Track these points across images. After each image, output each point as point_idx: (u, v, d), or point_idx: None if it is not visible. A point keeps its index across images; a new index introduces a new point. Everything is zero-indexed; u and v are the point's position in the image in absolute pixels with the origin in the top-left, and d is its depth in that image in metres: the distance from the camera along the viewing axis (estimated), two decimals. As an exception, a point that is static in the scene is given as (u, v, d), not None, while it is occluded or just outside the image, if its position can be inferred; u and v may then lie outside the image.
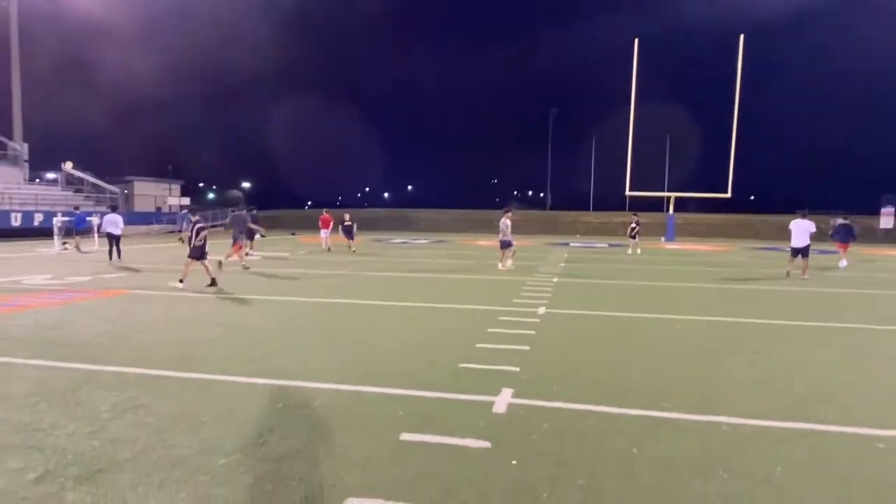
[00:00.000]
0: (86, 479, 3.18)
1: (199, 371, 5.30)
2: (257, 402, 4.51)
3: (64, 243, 21.75)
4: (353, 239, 21.60)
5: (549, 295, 10.66)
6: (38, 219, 29.47)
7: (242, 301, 9.71)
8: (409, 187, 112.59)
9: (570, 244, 30.67)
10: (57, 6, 38.68)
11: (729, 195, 34.29)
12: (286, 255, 20.36)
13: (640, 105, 34.44)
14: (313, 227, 38.42)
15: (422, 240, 32.67)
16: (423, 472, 3.31)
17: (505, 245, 15.62)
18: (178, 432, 3.86)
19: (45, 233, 25.67)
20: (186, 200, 46.80)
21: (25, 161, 37.15)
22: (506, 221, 15.63)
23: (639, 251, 23.57)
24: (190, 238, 11.35)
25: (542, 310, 8.94)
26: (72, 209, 25.61)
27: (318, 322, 8.00)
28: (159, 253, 20.81)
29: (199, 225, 11.48)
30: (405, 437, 3.83)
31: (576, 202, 64.53)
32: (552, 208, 65.56)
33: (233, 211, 16.32)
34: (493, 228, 43.79)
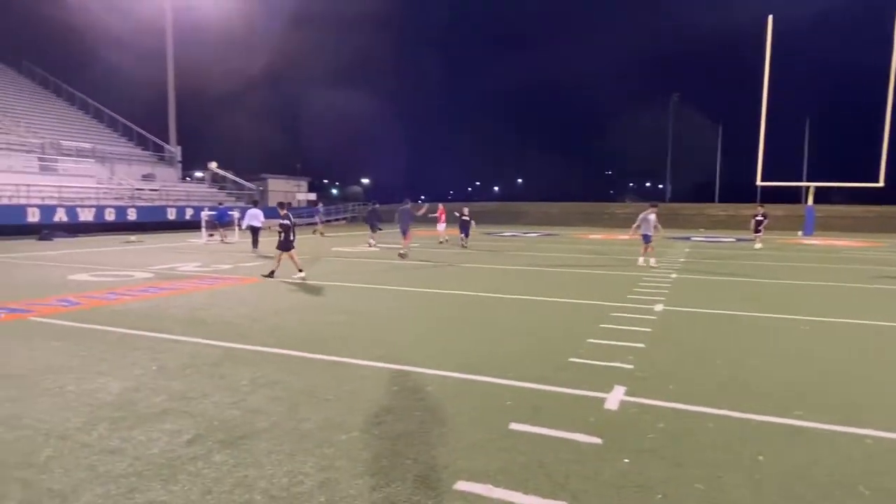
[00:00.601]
0: (229, 444, 3.56)
1: (324, 352, 5.69)
2: (375, 383, 4.77)
3: (210, 234, 24.23)
4: (468, 234, 20.72)
5: (667, 291, 10.13)
6: (188, 213, 32.98)
7: (362, 290, 10.25)
8: (519, 180, 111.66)
9: (692, 238, 28.80)
10: (197, 20, 42.98)
11: (881, 184, 30.34)
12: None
13: (773, 86, 31.42)
14: (427, 221, 39.18)
15: (532, 233, 32.36)
16: (532, 463, 3.32)
17: (648, 239, 14.64)
18: (306, 408, 4.19)
19: (194, 225, 28.76)
20: (313, 196, 50.00)
21: (179, 162, 41.75)
22: (648, 216, 14.59)
23: (758, 245, 21.59)
24: (279, 232, 11.57)
25: (659, 307, 8.53)
26: (216, 205, 28.36)
27: (431, 311, 8.25)
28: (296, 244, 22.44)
29: (285, 222, 11.63)
30: (514, 426, 3.86)
31: (699, 194, 60.37)
32: (672, 200, 61.93)
33: (401, 206, 17.63)
34: (604, 221, 42.41)
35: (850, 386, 4.90)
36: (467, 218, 20.81)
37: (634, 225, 14.86)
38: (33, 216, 25.63)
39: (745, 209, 39.75)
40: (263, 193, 44.17)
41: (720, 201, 54.24)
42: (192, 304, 8.58)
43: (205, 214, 24.98)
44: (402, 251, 16.91)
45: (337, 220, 49.75)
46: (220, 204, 28.42)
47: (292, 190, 48.58)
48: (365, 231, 29.58)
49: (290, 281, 11.26)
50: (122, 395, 4.46)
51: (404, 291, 10.14)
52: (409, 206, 17.54)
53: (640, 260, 14.77)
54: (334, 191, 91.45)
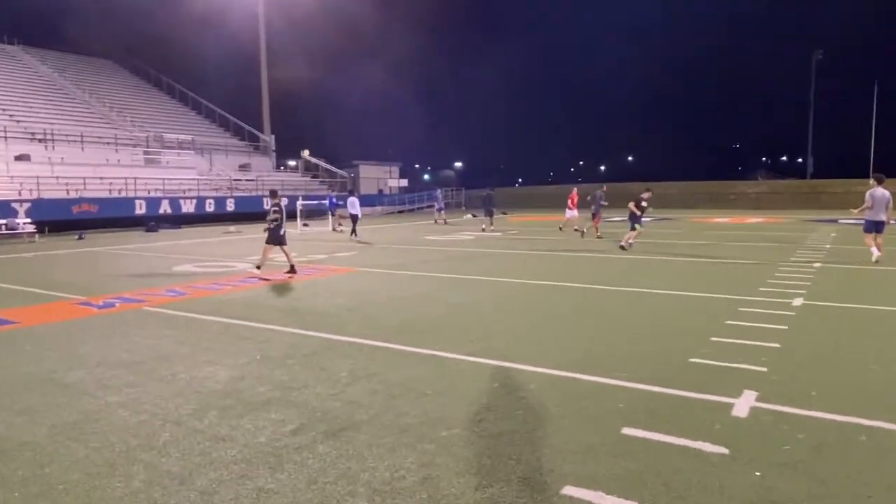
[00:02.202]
0: (332, 435, 3.81)
1: (420, 346, 5.90)
2: (475, 379, 4.88)
3: (305, 224, 25.67)
4: (638, 227, 15.53)
5: (809, 284, 9.42)
6: (284, 202, 35.05)
7: (460, 280, 10.44)
8: (630, 158, 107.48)
9: (840, 221, 26.37)
10: (287, 10, 45.25)
11: None
12: (514, 231, 21.21)
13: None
14: (523, 206, 38.93)
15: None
16: (649, 471, 3.27)
17: (870, 228, 12.26)
18: (405, 401, 4.39)
19: (289, 215, 30.57)
20: (405, 182, 51.32)
21: (273, 151, 44.39)
22: (876, 193, 12.08)
23: None
24: (268, 224, 11.31)
25: (798, 301, 7.97)
26: (332, 196, 29.34)
27: (535, 304, 8.25)
28: (389, 232, 23.24)
29: (275, 212, 11.40)
30: (627, 431, 3.81)
31: (847, 168, 55.14)
32: (815, 177, 56.97)
33: (598, 193, 19.93)
34: (730, 203, 39.93)
35: None
36: (646, 203, 15.57)
37: (864, 206, 12.30)
38: (140, 208, 28.37)
39: (908, 185, 35.70)
40: (355, 180, 45.91)
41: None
42: (290, 294, 9.18)
43: (300, 204, 26.48)
44: (590, 232, 19.17)
45: (429, 206, 50.72)
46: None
47: (383, 176, 50.05)
48: (458, 218, 30.00)
49: (387, 270, 11.68)
50: (228, 383, 4.90)
51: (505, 283, 10.20)
52: (604, 190, 20.17)
53: (875, 253, 12.00)
54: (426, 176, 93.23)
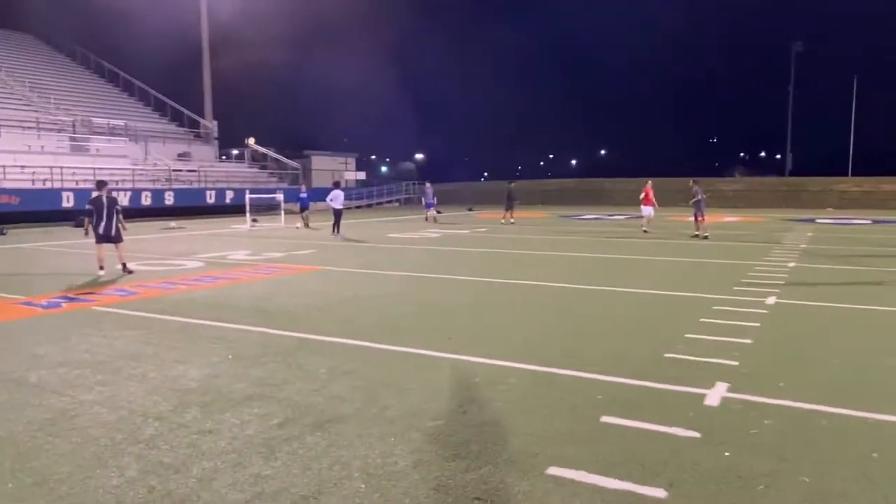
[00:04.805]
0: (319, 427, 4.22)
1: (397, 344, 6.34)
2: (453, 375, 5.35)
3: (254, 220, 25.72)
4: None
5: (783, 283, 10.22)
6: (228, 196, 34.81)
7: (433, 280, 10.91)
8: (603, 151, 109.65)
9: (818, 220, 27.88)
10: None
11: None
12: (477, 229, 21.74)
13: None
14: (492, 201, 39.60)
15: (618, 215, 32.13)
16: (626, 452, 3.80)
17: None
18: (386, 396, 4.82)
19: (235, 210, 30.52)
20: (362, 175, 51.44)
21: (216, 139, 43.97)
22: None
23: None
24: (88, 220, 11.56)
25: (771, 299, 8.71)
26: (303, 189, 28.15)
27: (509, 303, 8.78)
28: (350, 229, 23.51)
29: (88, 206, 11.65)
30: (606, 419, 4.34)
31: (828, 165, 57.83)
32: (793, 174, 59.47)
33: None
34: (707, 200, 41.35)
35: None
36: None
37: None
38: (68, 201, 27.83)
39: (886, 184, 37.91)
40: (307, 172, 45.87)
41: (854, 174, 51.76)
42: (251, 293, 9.48)
43: (249, 198, 26.51)
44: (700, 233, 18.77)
45: (389, 201, 51.05)
46: (304, 188, 28.98)
47: (339, 168, 50.10)
48: (417, 214, 30.32)
49: (349, 269, 12.06)
50: (203, 381, 5.24)
51: (479, 282, 10.72)
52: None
53: None
54: (384, 168, 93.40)
